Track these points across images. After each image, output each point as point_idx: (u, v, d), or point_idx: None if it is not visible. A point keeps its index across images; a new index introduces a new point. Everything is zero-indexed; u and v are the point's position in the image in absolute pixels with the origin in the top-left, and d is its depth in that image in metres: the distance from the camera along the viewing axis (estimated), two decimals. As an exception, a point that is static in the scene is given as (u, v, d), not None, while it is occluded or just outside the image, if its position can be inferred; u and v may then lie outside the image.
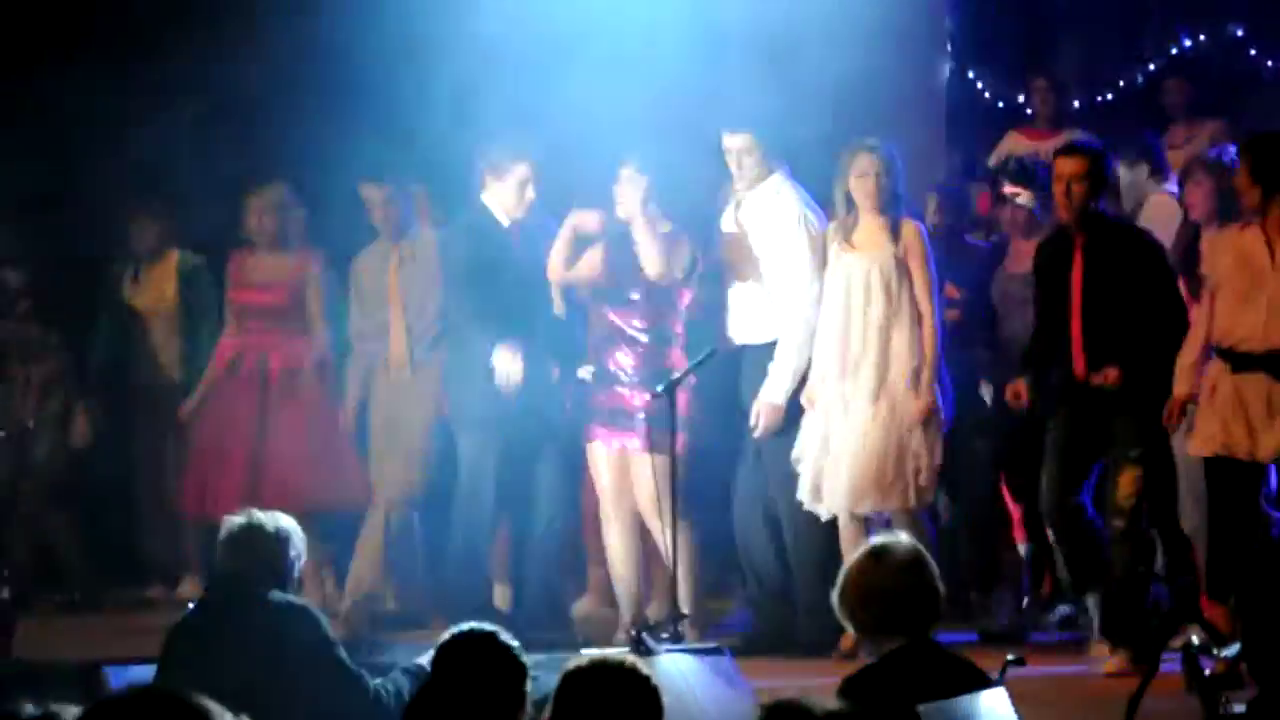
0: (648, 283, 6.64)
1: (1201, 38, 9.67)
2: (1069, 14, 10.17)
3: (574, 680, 3.41)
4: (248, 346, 7.68)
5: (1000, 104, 10.08)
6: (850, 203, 6.46)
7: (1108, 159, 6.30)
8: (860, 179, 6.41)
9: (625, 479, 6.71)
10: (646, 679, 3.41)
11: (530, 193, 6.86)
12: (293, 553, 4.76)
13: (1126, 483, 6.16)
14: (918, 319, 6.38)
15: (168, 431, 8.16)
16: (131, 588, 8.25)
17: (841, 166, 6.47)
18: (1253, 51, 9.45)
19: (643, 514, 6.66)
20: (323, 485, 7.49)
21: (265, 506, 6.98)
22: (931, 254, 6.52)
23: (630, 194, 6.59)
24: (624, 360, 6.71)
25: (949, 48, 10.21)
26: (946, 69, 10.15)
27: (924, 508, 6.48)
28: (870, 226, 6.45)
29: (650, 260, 6.53)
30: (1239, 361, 5.83)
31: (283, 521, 4.79)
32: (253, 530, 4.75)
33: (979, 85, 10.27)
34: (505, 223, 6.91)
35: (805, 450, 6.48)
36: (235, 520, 4.81)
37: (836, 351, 6.41)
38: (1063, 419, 6.24)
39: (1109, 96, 9.81)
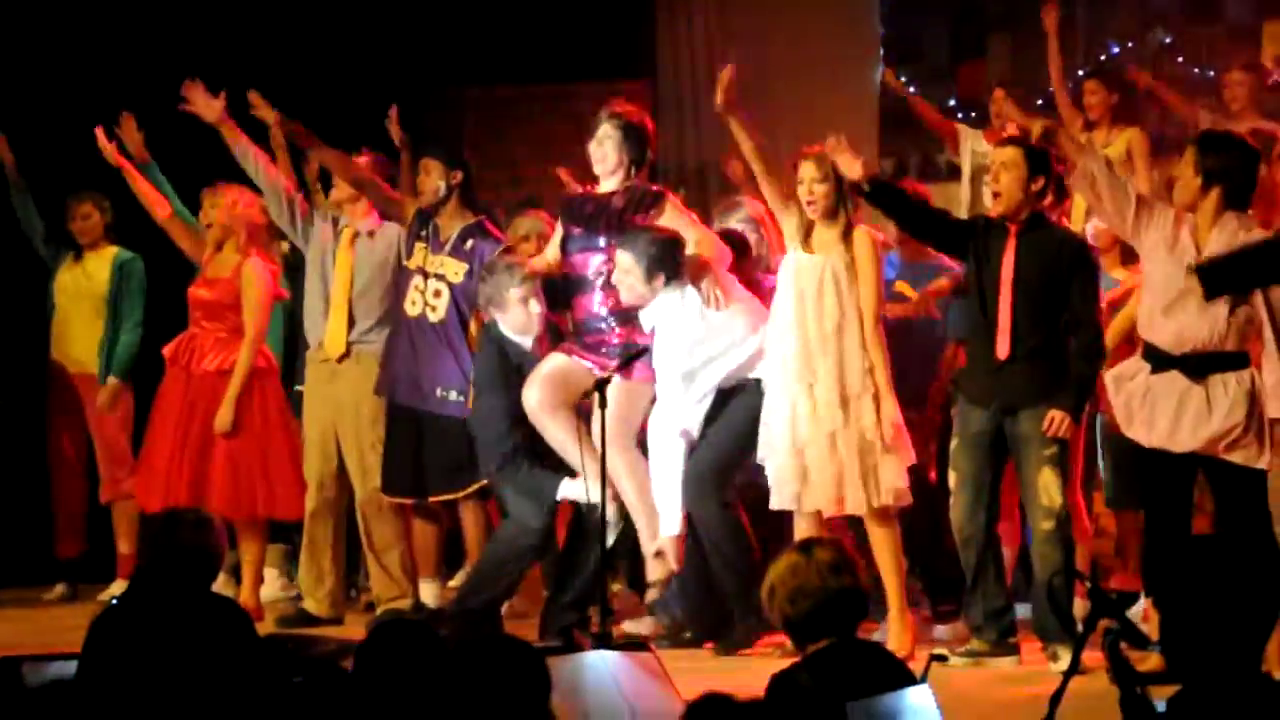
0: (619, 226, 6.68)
1: (1130, 45, 9.78)
2: (998, 20, 10.25)
3: (461, 653, 3.49)
4: (191, 342, 7.59)
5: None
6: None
7: (1044, 155, 6.32)
8: (801, 186, 6.46)
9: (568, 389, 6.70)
10: (536, 654, 3.49)
11: (536, 307, 6.78)
12: (218, 547, 4.73)
13: (1049, 484, 6.21)
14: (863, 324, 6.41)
15: (82, 422, 8.14)
16: (37, 585, 8.19)
17: (794, 173, 6.54)
18: (1180, 59, 9.56)
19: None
20: (262, 493, 7.46)
21: (203, 505, 7.03)
22: (882, 261, 6.57)
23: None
24: (589, 311, 6.73)
25: (880, 52, 10.28)
26: (879, 73, 10.22)
27: (898, 509, 6.48)
28: (823, 231, 6.50)
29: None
30: (1157, 360, 5.90)
31: (206, 514, 4.77)
32: (179, 523, 4.72)
33: (911, 89, 10.34)
34: (526, 345, 6.83)
35: (769, 450, 6.49)
36: (161, 512, 4.78)
37: (793, 351, 6.42)
38: (966, 451, 6.30)
39: (1039, 102, 9.90)
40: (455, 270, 7.12)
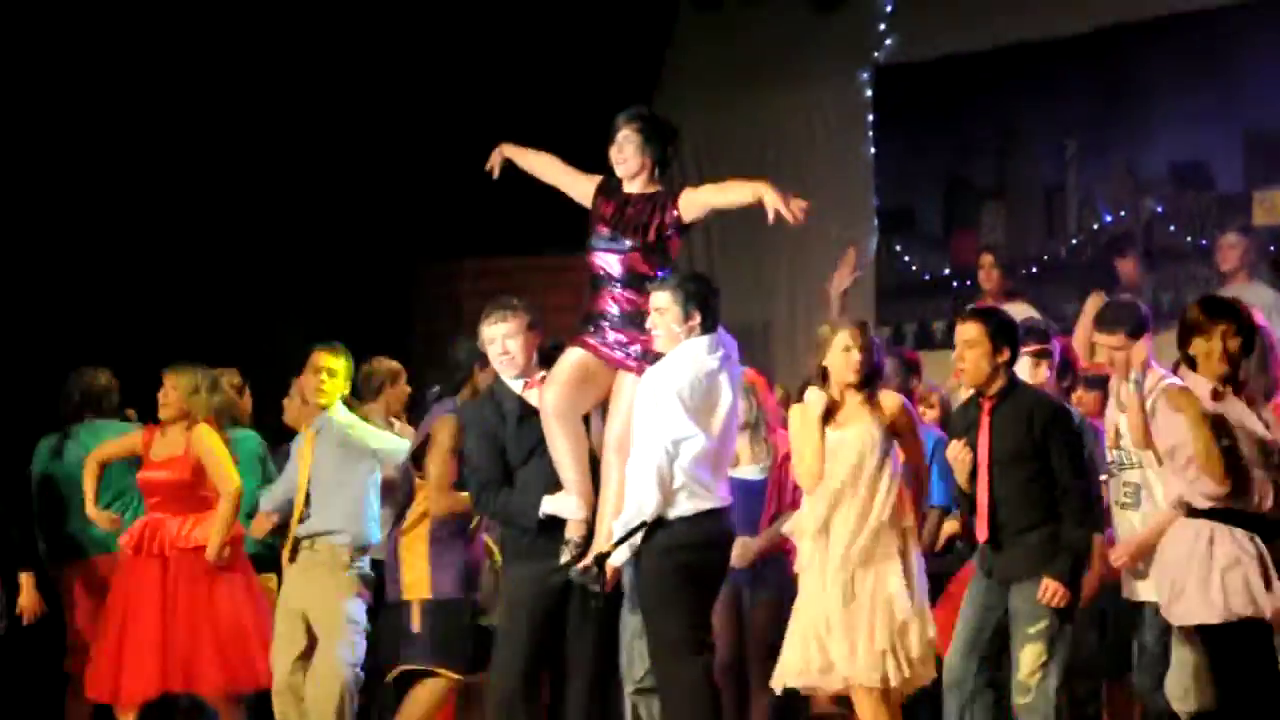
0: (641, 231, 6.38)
1: (1122, 214, 9.88)
2: (990, 190, 10.37)
3: None
4: (154, 527, 7.37)
5: (926, 276, 10.24)
6: (826, 377, 6.37)
7: (1007, 326, 6.29)
8: (845, 353, 6.24)
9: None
10: None
11: (512, 346, 6.49)
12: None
13: (1028, 660, 6.10)
14: (910, 488, 6.31)
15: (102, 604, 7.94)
16: None
17: (819, 341, 6.36)
18: (1171, 228, 9.65)
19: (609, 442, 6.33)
20: (229, 671, 7.24)
21: (173, 692, 6.87)
22: (919, 423, 6.50)
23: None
24: (609, 306, 6.39)
25: (875, 222, 10.39)
26: (873, 243, 10.32)
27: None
28: (852, 401, 6.39)
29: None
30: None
31: (200, 700, 4.71)
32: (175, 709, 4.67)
33: (906, 259, 10.43)
34: (519, 387, 6.53)
35: (804, 627, 6.23)
36: (156, 699, 4.72)
37: (830, 536, 6.20)
38: (972, 592, 6.25)
39: (1034, 270, 9.99)
40: None
